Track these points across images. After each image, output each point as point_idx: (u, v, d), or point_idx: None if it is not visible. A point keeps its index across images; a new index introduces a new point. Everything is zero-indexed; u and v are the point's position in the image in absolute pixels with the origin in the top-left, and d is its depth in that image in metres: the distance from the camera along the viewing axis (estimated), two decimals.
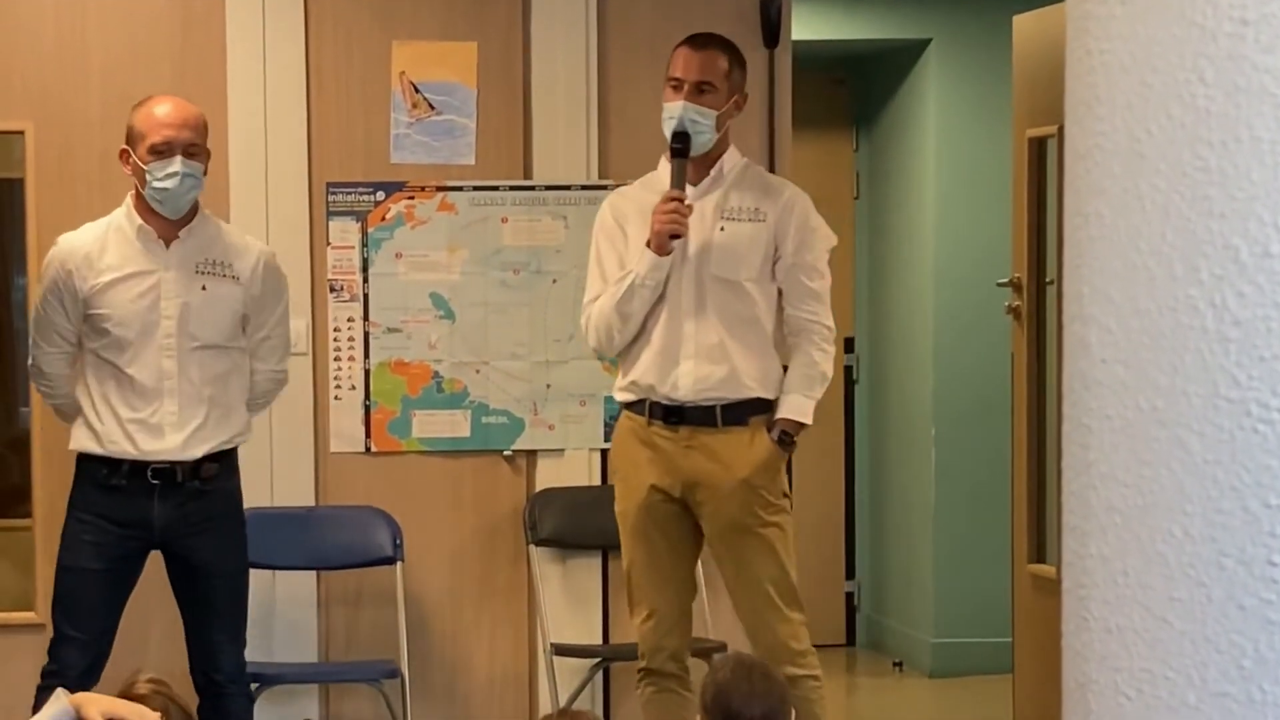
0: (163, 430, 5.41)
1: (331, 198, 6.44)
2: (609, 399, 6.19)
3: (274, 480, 6.39)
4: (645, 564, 5.45)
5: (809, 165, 8.60)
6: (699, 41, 5.46)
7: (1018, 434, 7.07)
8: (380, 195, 6.45)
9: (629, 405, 5.48)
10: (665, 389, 5.37)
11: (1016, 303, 7.05)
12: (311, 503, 6.42)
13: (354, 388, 6.47)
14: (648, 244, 5.33)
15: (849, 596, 9.22)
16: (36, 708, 5.26)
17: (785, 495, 5.48)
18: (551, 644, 6.31)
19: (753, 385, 5.37)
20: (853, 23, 8.59)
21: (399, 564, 6.31)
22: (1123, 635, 2.28)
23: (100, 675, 5.39)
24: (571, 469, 6.46)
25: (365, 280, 6.45)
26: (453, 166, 6.47)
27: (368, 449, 6.48)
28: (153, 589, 5.58)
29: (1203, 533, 2.21)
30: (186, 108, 5.49)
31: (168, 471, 5.42)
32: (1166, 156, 2.23)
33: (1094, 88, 2.31)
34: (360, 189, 6.45)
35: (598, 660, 6.35)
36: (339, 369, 6.46)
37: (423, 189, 6.46)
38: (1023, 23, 7.08)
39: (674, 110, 5.37)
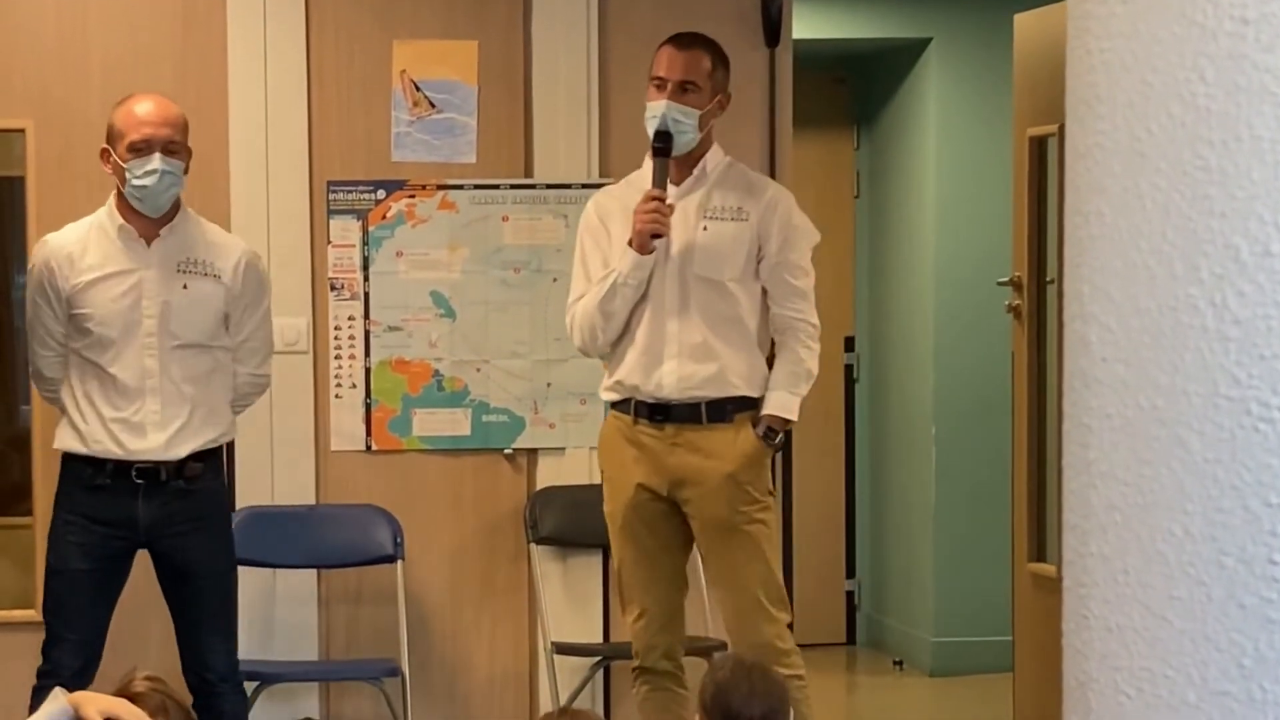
0: (145, 429, 5.41)
1: (332, 196, 6.44)
2: None
3: (274, 479, 6.40)
4: (634, 563, 5.46)
5: (810, 164, 8.60)
6: (683, 41, 5.46)
7: (1018, 433, 7.07)
8: (381, 194, 6.45)
9: (615, 405, 5.49)
10: (650, 388, 5.38)
11: (1017, 301, 7.05)
12: (312, 501, 6.43)
13: (354, 386, 6.47)
14: (630, 243, 5.34)
15: (849, 595, 9.22)
16: (33, 708, 5.27)
17: (770, 493, 5.48)
18: (552, 642, 6.31)
19: (738, 383, 5.38)
20: (853, 22, 8.59)
21: (399, 562, 6.31)
22: (1123, 634, 2.28)
23: (95, 674, 5.39)
24: (572, 468, 6.46)
25: (366, 279, 6.45)
26: (453, 165, 6.47)
27: (368, 447, 6.48)
28: (152, 589, 5.58)
29: (1203, 531, 2.21)
30: (167, 106, 5.48)
31: (152, 471, 5.42)
32: (1167, 155, 2.23)
33: (1095, 87, 2.31)
34: (361, 187, 6.45)
35: (598, 659, 6.35)
36: (339, 367, 6.46)
37: (423, 187, 6.46)
38: (1023, 21, 7.08)
39: (657, 109, 5.37)
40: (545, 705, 6.30)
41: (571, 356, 6.34)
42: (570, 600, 6.49)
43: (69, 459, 5.48)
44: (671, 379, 5.37)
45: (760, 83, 6.56)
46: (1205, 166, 2.20)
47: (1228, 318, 2.19)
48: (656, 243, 5.34)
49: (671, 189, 5.39)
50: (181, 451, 5.43)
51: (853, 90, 9.21)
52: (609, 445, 5.51)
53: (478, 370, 6.49)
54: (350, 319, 6.46)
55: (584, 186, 6.36)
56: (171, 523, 5.44)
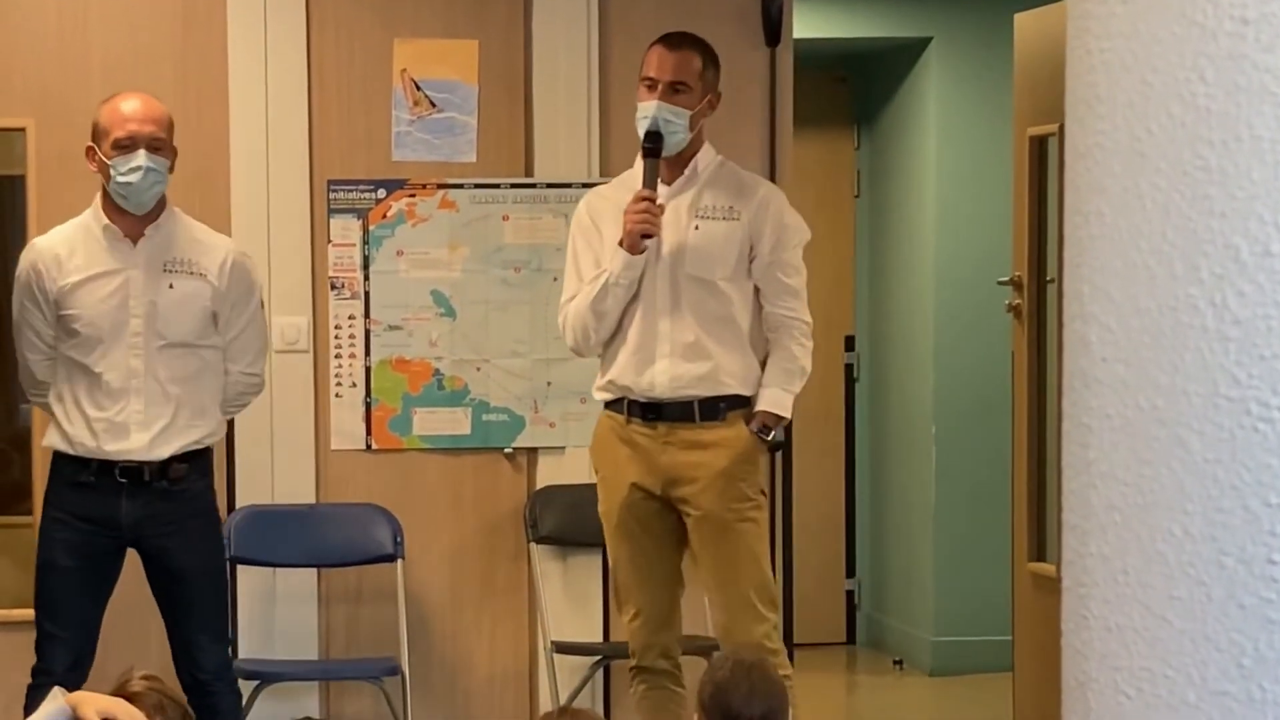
0: (128, 429, 5.41)
1: (333, 195, 6.44)
2: None
3: (274, 477, 6.40)
4: (630, 562, 5.46)
5: (810, 163, 8.60)
6: (673, 41, 5.46)
7: (1018, 432, 7.07)
8: (381, 193, 6.45)
9: (608, 404, 5.50)
10: (642, 387, 5.39)
11: (1017, 301, 7.05)
12: (312, 500, 6.43)
13: (355, 385, 6.47)
14: (621, 243, 5.35)
15: (849, 595, 9.22)
16: (28, 707, 5.27)
17: (762, 492, 5.49)
18: (552, 641, 6.31)
19: (731, 382, 5.39)
20: (854, 21, 8.59)
21: (399, 561, 6.31)
22: (1122, 634, 2.28)
23: (88, 672, 5.40)
24: (572, 467, 6.46)
25: (366, 278, 6.46)
26: (454, 164, 6.47)
27: (368, 446, 6.48)
28: (149, 587, 5.58)
29: (1203, 531, 2.21)
30: (152, 104, 5.48)
31: (135, 470, 5.42)
32: (1167, 155, 2.23)
33: (1095, 86, 2.31)
34: (361, 186, 6.45)
35: (598, 658, 6.35)
36: (340, 366, 6.46)
37: (424, 186, 6.46)
38: (1024, 21, 7.08)
39: (648, 110, 5.38)
40: (545, 704, 6.30)
41: (571, 356, 6.34)
42: (570, 599, 6.49)
43: (56, 457, 5.49)
44: (664, 378, 5.38)
45: (760, 82, 6.56)
46: (1205, 166, 2.20)
47: (1228, 318, 2.19)
48: (647, 243, 5.34)
49: (662, 188, 5.39)
50: (164, 452, 5.42)
51: (853, 90, 9.21)
52: (603, 445, 5.52)
53: (478, 369, 6.50)
54: (350, 318, 6.46)
55: (584, 186, 6.36)
56: (156, 523, 5.44)
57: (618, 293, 5.38)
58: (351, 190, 6.45)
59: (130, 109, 5.43)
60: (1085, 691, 2.33)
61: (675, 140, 5.40)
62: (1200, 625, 2.21)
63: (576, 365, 6.26)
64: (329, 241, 6.45)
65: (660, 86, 5.38)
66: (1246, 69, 2.17)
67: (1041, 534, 6.93)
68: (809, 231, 5.55)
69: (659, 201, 5.35)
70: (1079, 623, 2.34)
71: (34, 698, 5.33)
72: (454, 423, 6.49)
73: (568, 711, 4.62)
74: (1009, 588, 7.22)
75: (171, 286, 5.46)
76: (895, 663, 8.79)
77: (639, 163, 5.45)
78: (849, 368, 9.11)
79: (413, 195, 6.45)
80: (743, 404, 5.41)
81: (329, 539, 6.34)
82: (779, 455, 6.56)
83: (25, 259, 5.52)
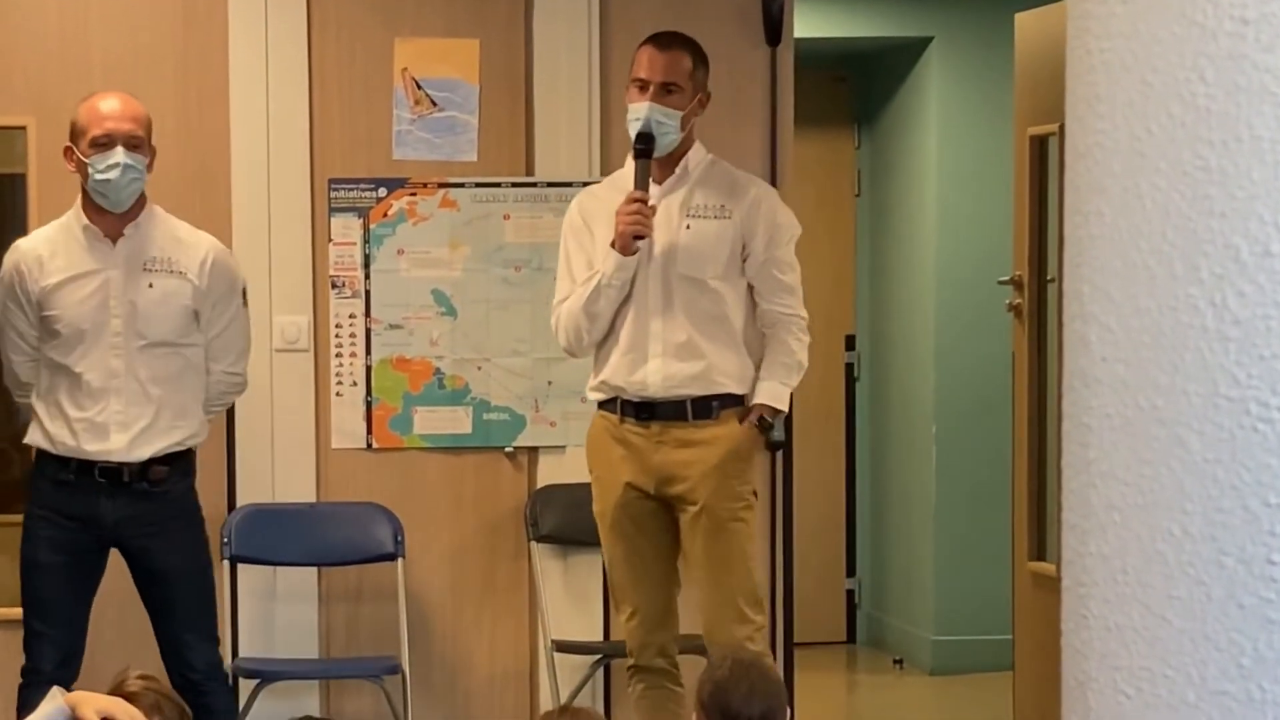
0: (108, 430, 5.41)
1: (333, 194, 6.44)
2: None
3: (275, 476, 6.40)
4: (625, 562, 5.47)
5: (810, 163, 8.60)
6: (663, 41, 5.47)
7: (1018, 432, 7.07)
8: (382, 191, 6.45)
9: (601, 404, 5.51)
10: (635, 387, 5.40)
11: (1017, 300, 7.05)
12: (313, 499, 6.43)
13: (355, 384, 6.47)
14: (613, 245, 5.35)
15: (850, 594, 9.22)
16: (20, 707, 5.27)
17: (754, 494, 5.49)
18: (552, 640, 6.31)
19: (724, 381, 5.40)
20: (854, 20, 8.59)
21: (400, 560, 6.31)
22: (1122, 633, 2.28)
23: (78, 669, 5.40)
24: (573, 466, 6.46)
25: (367, 276, 6.46)
26: (455, 163, 6.47)
27: (369, 445, 6.48)
28: None
29: (1202, 531, 2.21)
30: (129, 102, 5.49)
31: (115, 471, 5.42)
32: (1167, 155, 2.23)
33: (1095, 86, 2.31)
34: (362, 185, 6.45)
35: (599, 657, 6.35)
36: (340, 365, 6.46)
37: (425, 185, 6.46)
38: (1024, 21, 7.08)
39: (639, 111, 5.38)
40: (546, 703, 6.30)
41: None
42: (571, 598, 6.49)
43: (39, 455, 5.50)
44: (656, 377, 5.39)
45: (761, 81, 6.56)
46: (1205, 166, 2.20)
47: (1227, 318, 2.19)
48: (639, 243, 5.35)
49: (653, 188, 5.40)
50: (144, 453, 5.42)
51: (854, 89, 9.21)
52: (596, 445, 5.53)
53: (479, 368, 6.50)
54: (351, 317, 6.46)
55: (585, 185, 6.36)
56: (138, 524, 5.44)
57: (610, 294, 5.39)
58: (352, 189, 6.45)
59: (108, 107, 5.44)
60: (1085, 691, 2.33)
61: (667, 141, 5.41)
62: (1200, 625, 2.21)
63: (577, 364, 6.26)
64: (330, 240, 6.45)
65: (651, 88, 5.39)
66: (1246, 69, 2.17)
67: (1042, 533, 6.94)
68: (800, 227, 5.58)
69: (650, 202, 5.36)
70: (1079, 622, 2.34)
71: (25, 697, 5.34)
72: (455, 422, 6.49)
73: (568, 710, 4.63)
74: (1009, 587, 7.22)
75: (151, 286, 5.45)
76: (895, 662, 8.79)
77: (630, 163, 5.46)
78: (849, 367, 9.11)
79: (414, 194, 6.45)
80: (736, 403, 5.43)
81: (329, 538, 6.34)
82: (779, 455, 6.56)
83: (8, 260, 5.53)
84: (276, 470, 6.40)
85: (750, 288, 5.46)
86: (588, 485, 5.95)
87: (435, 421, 6.49)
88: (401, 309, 6.46)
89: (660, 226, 5.39)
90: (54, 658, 5.40)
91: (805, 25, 7.30)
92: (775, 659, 6.48)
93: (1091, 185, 2.32)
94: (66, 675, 5.26)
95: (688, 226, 5.42)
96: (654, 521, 5.45)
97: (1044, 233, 6.94)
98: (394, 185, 6.45)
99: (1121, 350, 2.29)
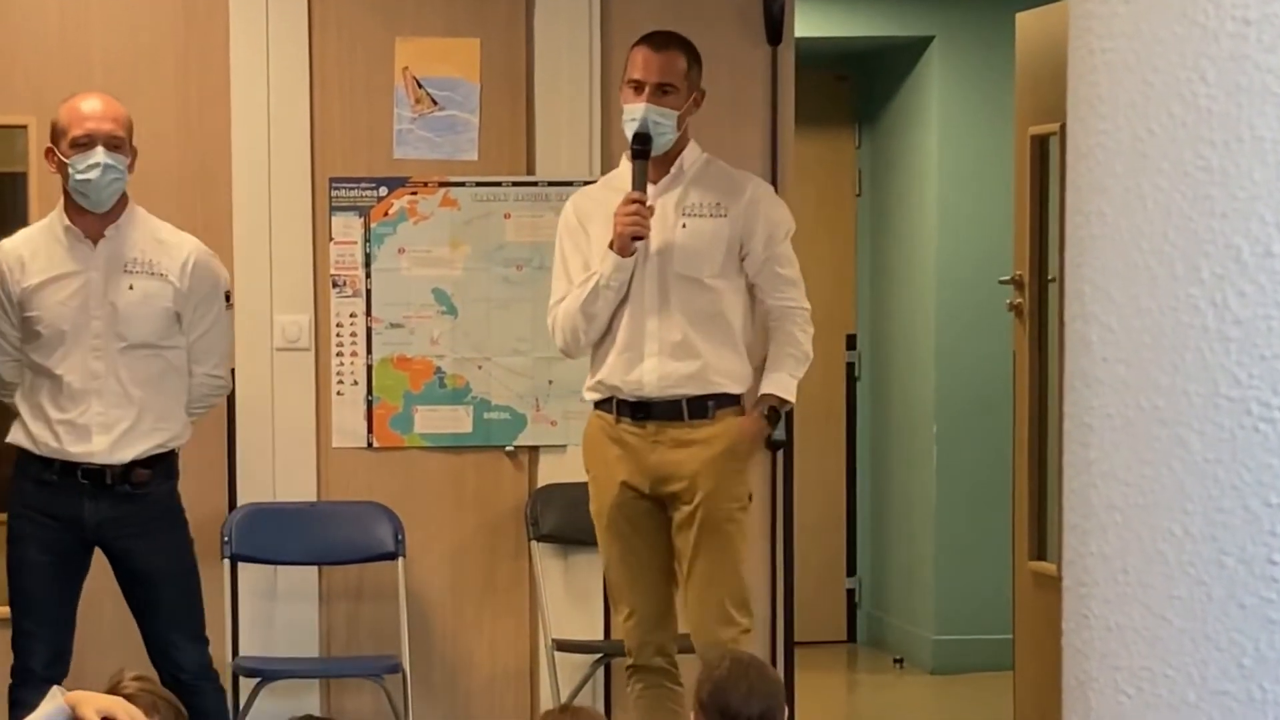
0: (90, 432, 5.41)
1: (334, 193, 6.44)
2: None
3: (276, 475, 6.40)
4: (621, 562, 5.47)
5: (811, 162, 8.60)
6: (658, 42, 5.47)
7: (1019, 431, 7.07)
8: (383, 190, 6.45)
9: (597, 404, 5.51)
10: (631, 386, 5.40)
11: (1018, 300, 7.05)
12: (313, 498, 6.43)
13: (356, 383, 6.47)
14: (611, 246, 5.35)
15: (850, 593, 9.22)
16: (12, 707, 5.27)
17: (749, 497, 5.50)
18: (553, 640, 6.32)
19: (720, 380, 5.40)
20: (855, 20, 8.59)
21: (400, 559, 6.31)
22: (1123, 633, 2.28)
23: (68, 668, 5.41)
24: (573, 465, 6.45)
25: (368, 275, 6.46)
26: (455, 162, 6.47)
27: (370, 444, 6.48)
28: None
29: (1203, 531, 2.21)
30: (110, 103, 5.49)
31: (97, 473, 5.42)
32: (1168, 155, 2.23)
33: (1096, 86, 2.31)
34: (363, 184, 6.45)
35: (599, 656, 6.35)
36: (341, 364, 6.46)
37: (425, 184, 6.46)
38: (1025, 20, 7.08)
39: (636, 113, 5.38)
40: (546, 702, 6.30)
41: None
42: (571, 597, 6.49)
43: (21, 454, 5.50)
44: (652, 377, 5.39)
45: (762, 81, 6.56)
46: (1207, 167, 2.20)
47: (1228, 318, 2.19)
48: (637, 244, 5.35)
49: (649, 187, 5.40)
50: (126, 455, 5.42)
51: (854, 88, 9.21)
52: (593, 444, 5.54)
53: (479, 367, 6.50)
54: (352, 316, 6.46)
55: (586, 184, 6.37)
56: (120, 526, 5.44)
57: (608, 295, 5.39)
58: (353, 188, 6.45)
59: (89, 108, 5.44)
60: (1086, 690, 2.33)
61: (664, 141, 5.41)
62: (1200, 625, 2.21)
63: (578, 364, 6.26)
64: (330, 239, 6.45)
65: (647, 89, 5.39)
66: (1248, 69, 2.17)
67: (1042, 533, 6.94)
68: (794, 221, 5.58)
69: (647, 203, 5.36)
70: (1079, 622, 2.34)
71: (17, 697, 5.34)
72: (455, 421, 6.50)
73: (569, 709, 4.63)
74: (1010, 586, 7.22)
75: (131, 288, 5.45)
76: (896, 661, 8.79)
77: (624, 163, 5.46)
78: (850, 366, 9.11)
79: (414, 193, 6.45)
80: (732, 402, 5.43)
81: (330, 537, 6.35)
82: (779, 454, 6.57)
83: None
84: (277, 469, 6.40)
85: (750, 286, 5.46)
86: (588, 485, 5.96)
87: (436, 421, 6.49)
88: (402, 308, 6.46)
89: (656, 226, 5.39)
90: (45, 657, 5.40)
91: (806, 24, 7.30)
92: (776, 658, 6.49)
93: (1093, 185, 2.32)
94: (57, 674, 5.26)
95: (684, 225, 5.43)
96: (650, 521, 5.45)
97: (1044, 232, 6.94)
98: (395, 184, 6.45)
99: (1122, 350, 2.29)
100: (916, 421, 8.69)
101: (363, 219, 6.45)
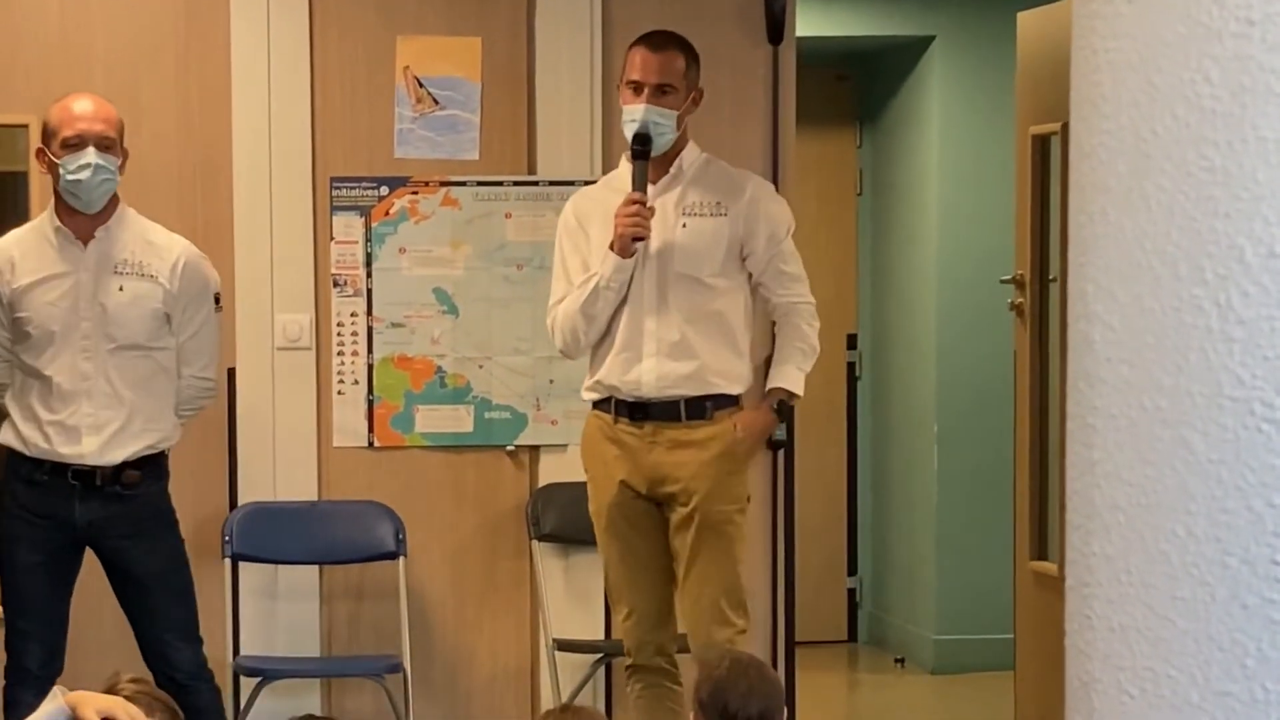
0: (80, 433, 5.41)
1: (335, 192, 6.44)
2: None
3: (276, 475, 6.40)
4: (620, 561, 5.47)
5: (812, 162, 8.60)
6: (656, 42, 5.47)
7: (1020, 431, 7.07)
8: (384, 190, 6.45)
9: (596, 404, 5.51)
10: (629, 386, 5.40)
11: (1019, 300, 7.05)
12: (314, 497, 6.43)
13: (357, 382, 6.47)
14: (611, 246, 5.35)
15: (851, 593, 9.22)
16: (8, 705, 5.27)
17: (747, 498, 5.50)
18: (554, 639, 6.32)
19: (718, 381, 5.40)
20: (857, 19, 8.59)
21: (401, 559, 6.32)
22: (1126, 634, 2.28)
23: (61, 667, 5.41)
24: (574, 464, 6.44)
25: (369, 275, 6.46)
26: (456, 161, 6.47)
27: (370, 444, 6.48)
28: None
29: (1206, 532, 2.21)
30: (101, 104, 5.49)
31: (87, 474, 5.42)
32: (1172, 156, 2.23)
33: (1099, 86, 2.31)
34: (364, 184, 6.45)
35: (600, 655, 6.35)
36: (342, 364, 6.46)
37: (426, 184, 6.46)
38: (1027, 20, 7.08)
39: (636, 113, 5.38)
40: (547, 702, 6.30)
41: None
42: (572, 597, 6.49)
43: (11, 454, 5.50)
44: (650, 377, 5.39)
45: (763, 80, 6.57)
46: (1210, 167, 2.20)
47: (1232, 318, 2.19)
48: (637, 245, 5.35)
49: (649, 187, 5.40)
50: (117, 457, 5.42)
51: (856, 88, 9.21)
52: (591, 444, 5.54)
53: (480, 367, 6.50)
54: (353, 315, 6.46)
55: (587, 183, 6.37)
56: (111, 527, 5.44)
57: (608, 296, 5.40)
58: (354, 187, 6.45)
59: (80, 108, 5.45)
60: (1089, 691, 2.33)
61: (663, 141, 5.42)
62: (1204, 625, 2.21)
63: (579, 363, 6.26)
64: (331, 239, 6.45)
65: (647, 89, 5.39)
66: (1252, 70, 2.17)
67: (1043, 533, 6.93)
68: (794, 218, 5.59)
69: (647, 203, 5.36)
70: (1082, 623, 2.34)
71: (13, 697, 5.34)
72: (456, 420, 6.50)
73: (569, 709, 4.63)
74: (1011, 586, 7.22)
75: (121, 289, 5.45)
76: (897, 661, 8.79)
77: (624, 163, 5.47)
78: (851, 366, 9.11)
79: (415, 192, 6.45)
80: (730, 403, 5.43)
81: (331, 536, 6.35)
82: (780, 454, 6.56)
83: None
84: (278, 468, 6.40)
85: (755, 285, 5.47)
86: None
87: (437, 420, 6.49)
88: (403, 307, 6.47)
89: (656, 225, 5.39)
90: (40, 656, 5.41)
91: (807, 24, 7.30)
92: (776, 658, 6.50)
93: (1096, 185, 2.32)
94: (51, 673, 5.28)
95: (684, 225, 5.43)
96: (648, 521, 5.45)
97: (1045, 232, 6.94)
98: (396, 184, 6.45)
99: (1125, 351, 2.28)
100: (917, 421, 8.69)
101: (364, 218, 6.45)
